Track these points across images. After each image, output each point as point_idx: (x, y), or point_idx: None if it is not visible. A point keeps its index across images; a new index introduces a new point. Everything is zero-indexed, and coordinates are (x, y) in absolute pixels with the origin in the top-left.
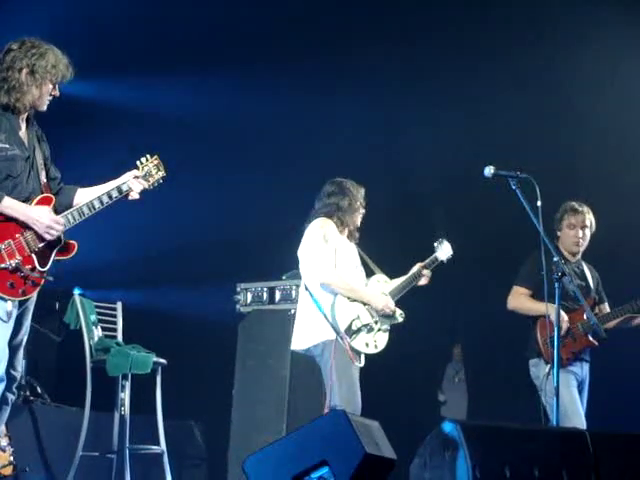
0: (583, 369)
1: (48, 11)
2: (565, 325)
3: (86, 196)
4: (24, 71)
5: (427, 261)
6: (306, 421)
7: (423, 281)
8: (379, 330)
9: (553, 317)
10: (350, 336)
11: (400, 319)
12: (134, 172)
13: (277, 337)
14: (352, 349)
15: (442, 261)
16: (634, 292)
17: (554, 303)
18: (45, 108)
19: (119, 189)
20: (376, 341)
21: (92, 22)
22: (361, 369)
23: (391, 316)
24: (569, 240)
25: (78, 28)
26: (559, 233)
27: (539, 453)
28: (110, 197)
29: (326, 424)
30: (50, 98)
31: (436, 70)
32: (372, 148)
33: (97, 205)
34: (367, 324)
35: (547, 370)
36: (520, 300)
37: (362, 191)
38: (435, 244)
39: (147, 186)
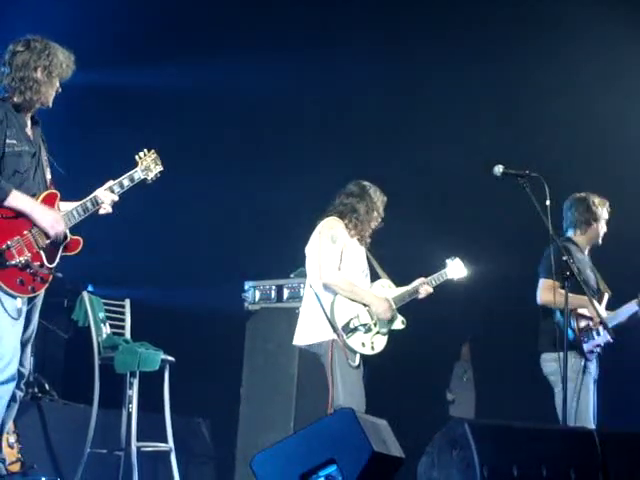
0: (597, 365)
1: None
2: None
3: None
4: (39, 70)
5: (431, 278)
6: (314, 419)
7: (422, 296)
8: (377, 333)
9: (591, 310)
10: (346, 334)
11: (401, 326)
12: (109, 183)
13: (285, 335)
14: (347, 347)
15: (451, 279)
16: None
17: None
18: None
19: (93, 200)
20: (373, 343)
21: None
22: (369, 368)
23: (391, 321)
24: (600, 233)
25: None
26: (594, 224)
27: (547, 452)
28: (86, 209)
29: (334, 422)
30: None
31: (437, 70)
32: (385, 149)
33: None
34: (366, 324)
35: (583, 364)
36: (554, 296)
37: (383, 199)
38: (447, 260)
39: (123, 189)
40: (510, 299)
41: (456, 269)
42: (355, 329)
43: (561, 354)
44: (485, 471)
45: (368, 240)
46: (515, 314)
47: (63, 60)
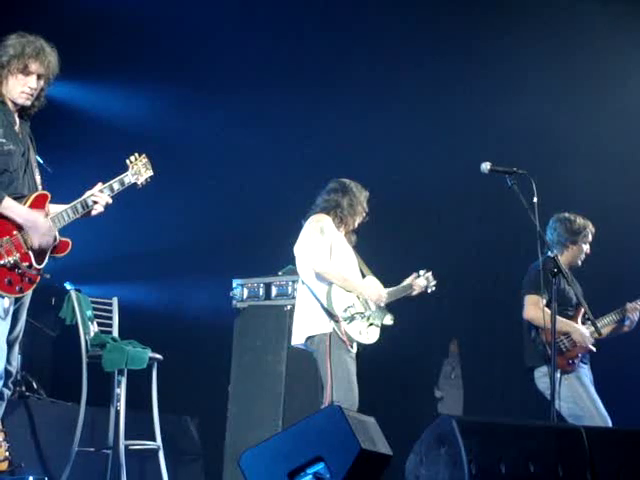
0: (589, 370)
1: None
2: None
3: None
4: None
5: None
6: (302, 417)
7: (415, 292)
8: (372, 324)
9: (562, 327)
10: (345, 320)
11: (390, 322)
12: (99, 186)
13: (273, 333)
14: (346, 334)
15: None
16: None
17: (556, 308)
18: (24, 102)
19: (84, 203)
20: (368, 333)
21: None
22: (357, 364)
23: (382, 314)
24: (582, 255)
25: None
26: (572, 246)
27: (535, 449)
28: (75, 211)
29: (322, 420)
30: (28, 91)
31: (435, 70)
32: (370, 150)
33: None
34: (362, 312)
35: (559, 376)
36: (540, 312)
37: (366, 194)
38: (421, 272)
39: (118, 190)
40: (498, 296)
41: (427, 281)
42: (352, 317)
43: (543, 369)
44: (473, 468)
45: (353, 238)
46: (503, 312)
47: (17, 52)
